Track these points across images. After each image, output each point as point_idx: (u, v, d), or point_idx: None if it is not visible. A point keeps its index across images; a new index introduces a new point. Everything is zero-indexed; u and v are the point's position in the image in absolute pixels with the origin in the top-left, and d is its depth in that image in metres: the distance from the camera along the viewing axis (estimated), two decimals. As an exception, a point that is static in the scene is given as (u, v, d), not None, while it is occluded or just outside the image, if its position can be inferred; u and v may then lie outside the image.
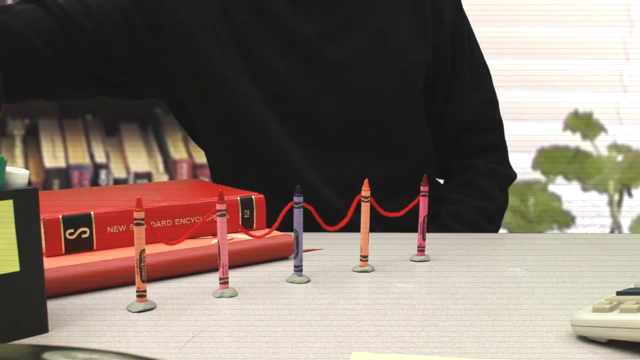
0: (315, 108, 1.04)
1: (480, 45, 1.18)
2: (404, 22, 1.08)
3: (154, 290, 0.67)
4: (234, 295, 0.67)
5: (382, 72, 1.06)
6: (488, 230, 1.10)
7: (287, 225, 0.76)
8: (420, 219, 0.78)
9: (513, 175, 1.18)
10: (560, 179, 2.14)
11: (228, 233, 0.68)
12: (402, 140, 1.09)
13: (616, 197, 2.14)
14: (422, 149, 1.13)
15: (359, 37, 1.06)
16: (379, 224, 1.00)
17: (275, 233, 0.80)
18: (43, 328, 0.56)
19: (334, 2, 1.06)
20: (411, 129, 1.11)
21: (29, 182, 0.56)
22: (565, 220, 2.14)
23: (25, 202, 0.54)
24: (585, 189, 2.14)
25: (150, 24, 1.03)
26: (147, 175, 2.23)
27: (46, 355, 0.35)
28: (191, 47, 1.02)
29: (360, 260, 0.77)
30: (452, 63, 1.13)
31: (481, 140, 1.16)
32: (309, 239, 0.86)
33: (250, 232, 0.74)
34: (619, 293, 0.58)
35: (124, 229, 0.75)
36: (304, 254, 0.74)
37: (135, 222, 0.61)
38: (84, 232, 0.72)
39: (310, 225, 0.82)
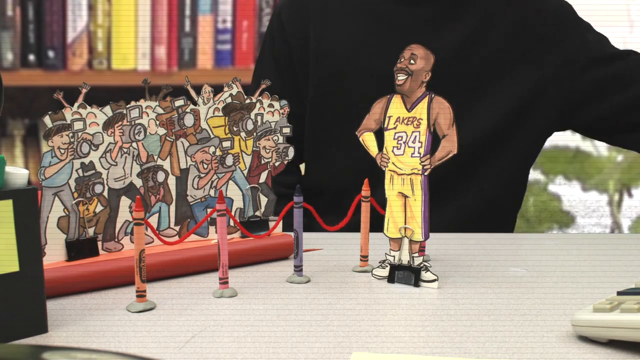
0: None
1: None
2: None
3: (154, 290, 0.67)
4: (234, 295, 0.67)
5: None
6: None
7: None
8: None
9: None
10: (560, 179, 2.14)
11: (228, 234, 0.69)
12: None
13: (616, 197, 2.14)
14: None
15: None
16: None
17: (276, 233, 0.80)
18: (43, 328, 0.56)
19: None
20: None
21: (29, 182, 0.56)
22: (565, 220, 2.14)
23: (25, 202, 0.54)
24: (585, 189, 2.14)
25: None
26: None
27: (46, 355, 0.35)
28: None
29: (360, 260, 0.77)
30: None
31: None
32: (309, 239, 0.86)
33: (250, 232, 0.75)
34: (619, 293, 0.58)
35: (123, 229, 0.75)
36: (304, 254, 0.74)
37: (135, 222, 0.61)
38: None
39: (310, 226, 0.82)
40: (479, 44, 1.07)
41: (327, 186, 1.13)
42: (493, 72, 1.07)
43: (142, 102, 0.73)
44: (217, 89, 0.80)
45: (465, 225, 1.01)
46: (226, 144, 0.79)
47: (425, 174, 0.69)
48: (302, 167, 1.21)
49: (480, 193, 1.09)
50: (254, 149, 0.82)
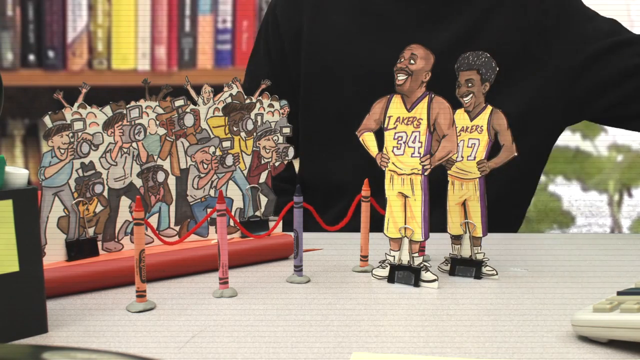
0: None
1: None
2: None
3: (154, 290, 0.67)
4: (234, 295, 0.67)
5: None
6: None
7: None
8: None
9: None
10: (560, 179, 2.14)
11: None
12: None
13: (616, 197, 2.14)
14: None
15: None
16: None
17: (275, 233, 0.80)
18: (43, 328, 0.56)
19: None
20: None
21: (29, 182, 0.56)
22: (565, 220, 2.14)
23: (25, 202, 0.54)
24: (585, 189, 2.14)
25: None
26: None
27: (46, 355, 0.35)
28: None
29: (360, 260, 0.77)
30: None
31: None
32: (309, 239, 0.86)
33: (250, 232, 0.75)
34: (619, 293, 0.58)
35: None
36: (304, 254, 0.74)
37: (134, 221, 0.61)
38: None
39: (310, 225, 0.82)
40: (477, 39, 1.06)
41: (318, 184, 1.13)
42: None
43: (142, 102, 0.73)
44: (217, 89, 0.80)
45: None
46: (226, 144, 0.79)
47: (425, 174, 0.69)
48: (296, 162, 1.22)
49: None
50: (254, 149, 0.82)
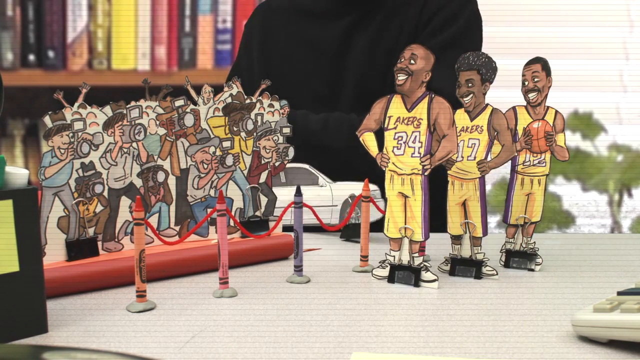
0: None
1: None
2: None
3: (154, 290, 0.67)
4: (234, 295, 0.67)
5: None
6: None
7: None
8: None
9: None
10: (560, 179, 2.14)
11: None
12: None
13: (616, 197, 2.14)
14: None
15: None
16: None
17: (276, 233, 0.80)
18: (43, 328, 0.56)
19: None
20: None
21: (29, 182, 0.56)
22: (565, 220, 2.14)
23: (25, 202, 0.54)
24: (585, 189, 2.14)
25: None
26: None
27: (46, 355, 0.35)
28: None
29: (360, 260, 0.77)
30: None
31: None
32: (309, 239, 0.86)
33: (250, 232, 0.74)
34: (619, 293, 0.58)
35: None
36: (304, 254, 0.74)
37: (134, 221, 0.61)
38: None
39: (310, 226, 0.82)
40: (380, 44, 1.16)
41: None
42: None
43: (142, 102, 0.73)
44: (217, 89, 0.80)
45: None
46: (226, 144, 0.79)
47: (425, 174, 0.69)
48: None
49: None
50: (254, 149, 0.82)
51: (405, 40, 1.12)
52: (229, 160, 0.80)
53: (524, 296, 0.68)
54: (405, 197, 0.71)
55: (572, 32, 2.10)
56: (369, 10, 1.18)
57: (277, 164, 0.83)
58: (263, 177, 0.83)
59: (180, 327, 0.58)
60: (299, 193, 0.71)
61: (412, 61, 0.69)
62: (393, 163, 0.71)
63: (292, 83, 1.15)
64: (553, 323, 0.59)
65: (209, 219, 0.76)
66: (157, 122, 0.75)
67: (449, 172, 0.75)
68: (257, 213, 0.83)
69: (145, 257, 0.62)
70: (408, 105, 0.70)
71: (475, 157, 0.74)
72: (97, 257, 0.71)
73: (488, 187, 0.79)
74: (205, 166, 0.78)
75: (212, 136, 0.78)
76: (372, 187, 0.87)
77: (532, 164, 0.79)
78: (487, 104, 0.74)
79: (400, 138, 0.70)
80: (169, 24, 1.96)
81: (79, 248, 0.70)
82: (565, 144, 0.79)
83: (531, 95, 0.77)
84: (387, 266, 0.73)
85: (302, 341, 0.55)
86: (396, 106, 0.71)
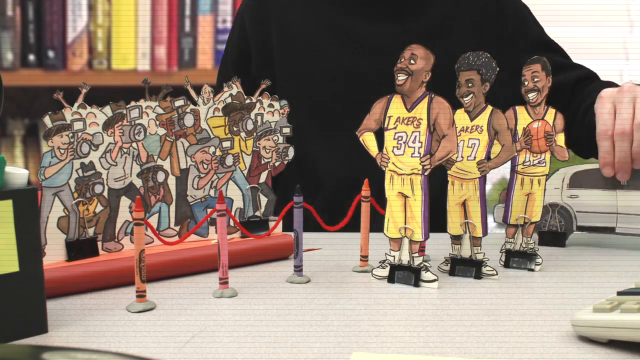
0: None
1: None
2: None
3: (154, 290, 0.67)
4: (234, 295, 0.67)
5: None
6: None
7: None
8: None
9: None
10: (560, 179, 2.13)
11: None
12: None
13: (616, 197, 2.14)
14: None
15: None
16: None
17: (275, 233, 0.80)
18: (43, 328, 0.56)
19: None
20: None
21: (29, 182, 0.56)
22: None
23: (25, 202, 0.54)
24: (585, 189, 2.13)
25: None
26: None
27: (46, 355, 0.35)
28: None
29: (360, 260, 0.77)
30: None
31: None
32: (309, 239, 0.86)
33: (250, 232, 0.74)
34: (619, 293, 0.58)
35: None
36: (304, 254, 0.74)
37: (134, 222, 0.61)
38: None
39: (310, 225, 0.82)
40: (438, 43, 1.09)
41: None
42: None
43: (142, 102, 0.73)
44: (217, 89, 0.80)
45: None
46: (226, 144, 0.79)
47: (425, 174, 0.69)
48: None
49: None
50: (254, 149, 0.82)
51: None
52: (229, 161, 0.80)
53: (524, 296, 0.68)
54: (405, 197, 0.71)
55: (572, 32, 2.10)
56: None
57: (277, 164, 0.83)
58: (263, 177, 0.83)
59: (180, 327, 0.58)
60: (299, 193, 0.71)
61: (412, 61, 0.69)
62: (393, 163, 0.71)
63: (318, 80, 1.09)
64: (553, 323, 0.59)
65: (208, 219, 0.76)
66: (157, 122, 0.75)
67: (448, 172, 0.76)
68: (257, 213, 0.83)
69: (145, 257, 0.62)
70: (408, 105, 0.70)
71: (475, 157, 0.74)
72: (97, 257, 0.71)
73: (488, 187, 0.79)
74: (205, 166, 0.78)
75: (212, 136, 0.78)
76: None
77: (532, 164, 0.79)
78: (487, 104, 0.74)
79: (400, 138, 0.70)
80: (169, 24, 1.96)
81: (78, 248, 0.70)
82: (565, 144, 0.79)
83: (531, 96, 0.77)
84: (387, 266, 0.73)
85: (302, 341, 0.55)
86: (396, 106, 0.71)
